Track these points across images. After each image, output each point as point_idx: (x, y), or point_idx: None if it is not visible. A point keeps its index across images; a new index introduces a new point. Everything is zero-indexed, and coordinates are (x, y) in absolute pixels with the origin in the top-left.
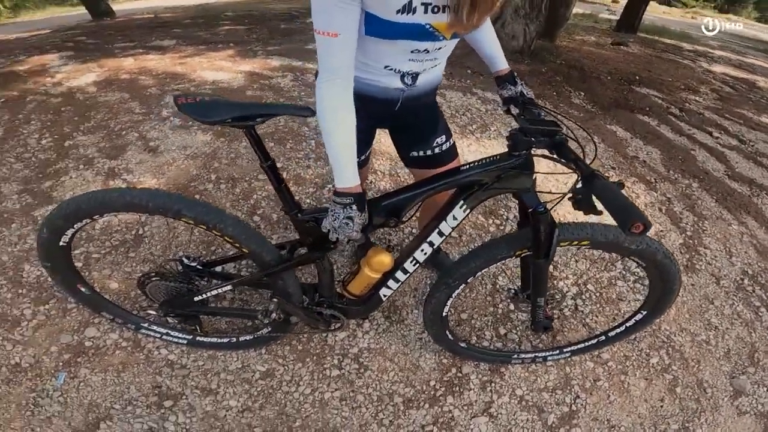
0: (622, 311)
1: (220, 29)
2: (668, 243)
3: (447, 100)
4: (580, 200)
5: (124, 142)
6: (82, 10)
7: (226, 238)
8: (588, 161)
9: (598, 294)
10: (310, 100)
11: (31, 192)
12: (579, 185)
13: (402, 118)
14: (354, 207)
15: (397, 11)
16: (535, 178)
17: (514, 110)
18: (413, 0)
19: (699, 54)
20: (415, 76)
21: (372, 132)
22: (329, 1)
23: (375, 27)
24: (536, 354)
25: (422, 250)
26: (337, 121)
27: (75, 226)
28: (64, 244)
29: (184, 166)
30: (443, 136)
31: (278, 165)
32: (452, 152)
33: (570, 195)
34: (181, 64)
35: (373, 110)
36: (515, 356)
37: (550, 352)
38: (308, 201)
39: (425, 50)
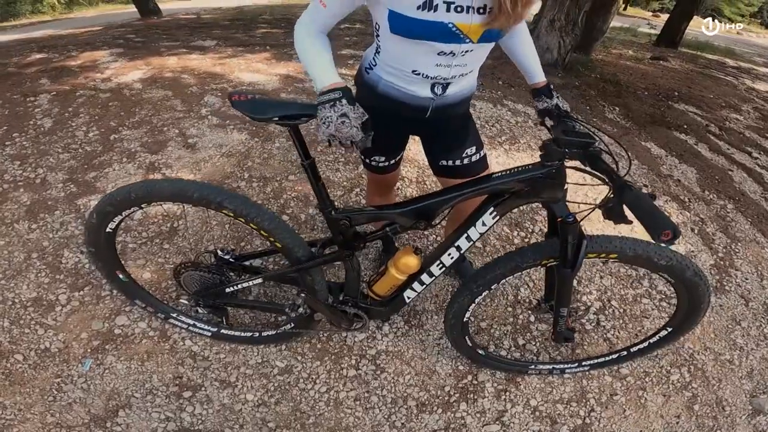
0: (645, 328)
1: (257, 32)
2: (699, 263)
3: (477, 110)
4: (611, 209)
5: (165, 138)
6: (131, 8)
7: (262, 231)
8: (621, 174)
9: (621, 310)
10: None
11: (76, 182)
12: (611, 196)
13: (433, 126)
14: (343, 101)
15: (417, 7)
16: (566, 189)
17: (549, 122)
18: None
19: (743, 71)
20: (445, 86)
21: (404, 138)
22: None
23: (398, 24)
24: (554, 366)
25: (449, 255)
26: (306, 43)
27: (123, 213)
28: (110, 230)
29: (220, 163)
30: (473, 148)
31: None
32: (482, 164)
33: (601, 207)
34: (220, 65)
35: (403, 116)
36: (532, 367)
37: (569, 365)
38: (335, 203)
39: (451, 53)
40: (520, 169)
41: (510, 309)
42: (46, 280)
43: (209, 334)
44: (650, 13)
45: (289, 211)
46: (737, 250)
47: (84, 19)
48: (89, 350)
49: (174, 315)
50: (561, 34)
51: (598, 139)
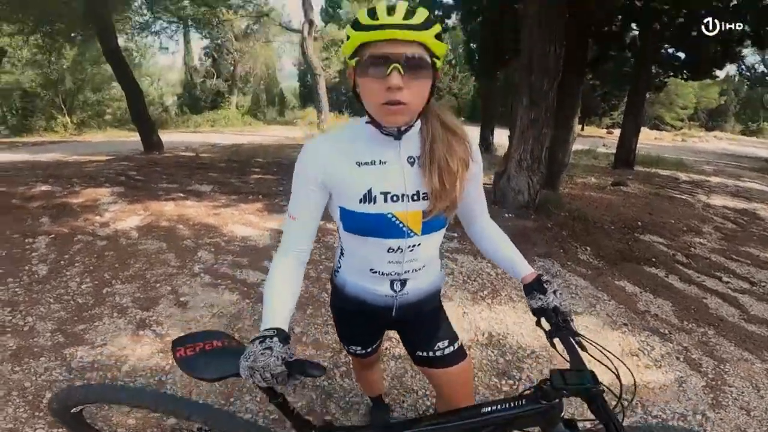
0: None
1: (251, 177)
2: (689, 388)
3: (458, 265)
4: None
5: (157, 294)
6: (136, 137)
7: None
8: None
9: None
10: (330, 264)
11: (65, 332)
12: None
13: (401, 322)
14: (275, 339)
15: (360, 200)
16: (563, 417)
17: (546, 325)
18: (372, 189)
19: (696, 185)
20: (402, 282)
21: (378, 332)
22: (300, 188)
23: (348, 221)
24: None
25: None
26: (273, 279)
27: (82, 405)
28: (76, 411)
29: (210, 323)
30: (445, 341)
31: (297, 330)
32: (458, 355)
33: None
34: (215, 215)
35: (372, 314)
36: None
37: None
38: (325, 364)
39: (399, 249)
40: (512, 404)
41: None
42: (25, 415)
43: None
44: (605, 130)
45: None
46: (727, 370)
47: (92, 145)
48: None
49: None
50: (529, 173)
51: (601, 355)
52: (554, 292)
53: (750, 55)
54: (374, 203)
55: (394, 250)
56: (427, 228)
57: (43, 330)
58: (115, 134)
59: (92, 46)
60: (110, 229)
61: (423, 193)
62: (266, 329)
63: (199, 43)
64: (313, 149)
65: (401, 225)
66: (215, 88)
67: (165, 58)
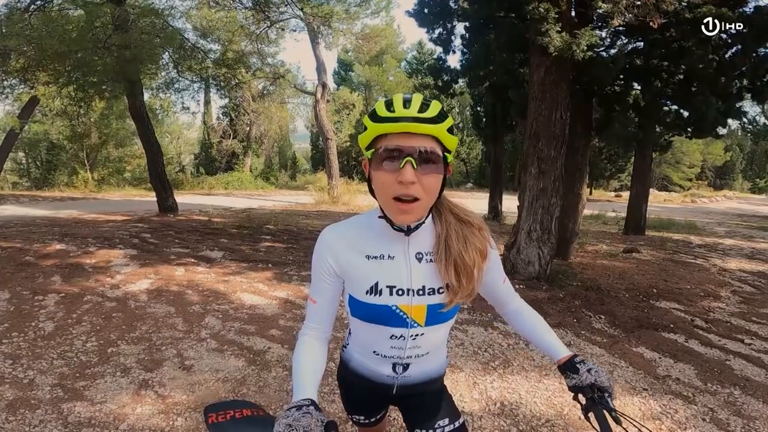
0: None
1: (261, 245)
2: None
3: (469, 336)
4: None
5: (162, 357)
6: (152, 196)
7: None
8: None
9: None
10: (338, 335)
11: (64, 387)
12: None
13: (402, 401)
14: (311, 407)
15: (366, 292)
16: None
17: (582, 399)
18: (379, 283)
19: (710, 248)
20: (404, 366)
21: (381, 405)
22: (318, 275)
23: (355, 308)
24: None
25: None
26: (299, 355)
27: None
28: None
29: (214, 387)
30: (446, 419)
31: None
32: None
33: None
34: (224, 282)
35: (373, 390)
36: None
37: None
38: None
39: (401, 336)
40: None
41: None
42: None
43: None
44: (613, 194)
45: None
46: (757, 427)
47: (109, 203)
48: None
49: None
50: (539, 244)
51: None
52: (588, 370)
53: (750, 107)
54: (380, 295)
55: (396, 337)
56: (432, 320)
57: (42, 384)
58: (132, 192)
59: (120, 101)
60: (120, 291)
61: (429, 288)
62: (301, 399)
63: (217, 102)
64: (326, 241)
65: (404, 316)
66: (231, 149)
67: (185, 116)
